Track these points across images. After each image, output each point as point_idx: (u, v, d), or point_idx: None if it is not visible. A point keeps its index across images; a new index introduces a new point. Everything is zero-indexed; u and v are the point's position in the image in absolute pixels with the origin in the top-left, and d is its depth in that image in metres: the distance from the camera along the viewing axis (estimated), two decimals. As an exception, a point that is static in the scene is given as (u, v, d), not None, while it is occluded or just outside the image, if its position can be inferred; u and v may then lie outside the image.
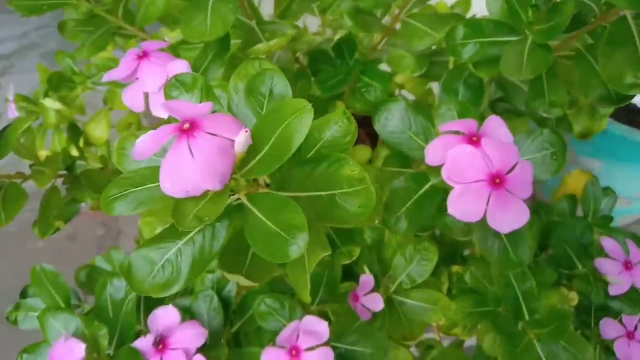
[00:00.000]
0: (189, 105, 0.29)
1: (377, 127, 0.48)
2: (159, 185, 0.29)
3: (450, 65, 0.57)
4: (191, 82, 0.33)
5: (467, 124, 0.42)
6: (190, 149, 0.27)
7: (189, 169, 0.27)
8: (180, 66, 0.45)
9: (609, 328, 0.59)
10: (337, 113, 0.37)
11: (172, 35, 0.58)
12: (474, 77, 0.50)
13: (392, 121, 0.47)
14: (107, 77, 0.45)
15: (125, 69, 0.45)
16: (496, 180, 0.39)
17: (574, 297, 0.60)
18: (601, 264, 0.58)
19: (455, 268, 0.63)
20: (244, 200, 0.31)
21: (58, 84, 0.75)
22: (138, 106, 0.46)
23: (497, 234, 0.44)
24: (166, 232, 0.32)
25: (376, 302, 0.55)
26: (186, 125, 0.27)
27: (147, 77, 0.44)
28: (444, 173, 0.40)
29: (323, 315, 0.60)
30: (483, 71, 0.46)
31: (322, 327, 0.46)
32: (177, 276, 0.31)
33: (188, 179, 0.27)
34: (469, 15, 0.83)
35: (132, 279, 0.31)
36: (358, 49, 0.61)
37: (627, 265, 0.57)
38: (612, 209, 0.74)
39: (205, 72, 0.50)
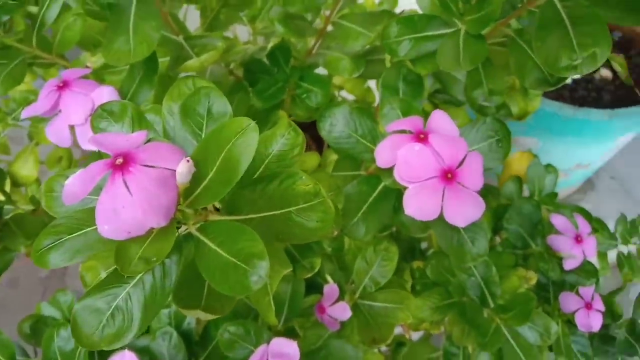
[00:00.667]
0: (120, 137, 0.27)
1: (323, 134, 0.47)
2: (97, 229, 0.26)
3: (387, 63, 0.56)
4: (120, 110, 0.30)
5: (413, 122, 0.42)
6: (127, 185, 0.24)
7: (129, 208, 0.24)
8: (107, 93, 0.42)
9: (568, 301, 0.60)
10: (281, 126, 0.36)
11: (94, 60, 0.55)
12: (413, 73, 0.50)
13: (337, 127, 0.46)
14: (26, 113, 0.41)
15: (46, 103, 0.41)
16: (448, 176, 0.39)
17: (532, 277, 0.61)
18: (553, 240, 0.60)
19: (417, 264, 0.63)
20: (194, 231, 0.29)
21: (-26, 124, 0.69)
22: (64, 141, 0.42)
23: (454, 228, 0.44)
24: (111, 277, 0.30)
25: (343, 311, 0.54)
26: (119, 160, 0.24)
27: (71, 109, 0.41)
28: (396, 174, 0.40)
29: (290, 331, 0.59)
30: (421, 67, 0.46)
31: (291, 349, 0.44)
32: (129, 323, 0.29)
33: (128, 219, 0.25)
34: (397, 10, 0.84)
35: (79, 333, 0.28)
36: (293, 55, 0.60)
37: (578, 239, 0.59)
38: (555, 186, 0.76)
39: (134, 96, 0.47)
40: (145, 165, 0.25)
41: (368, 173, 0.50)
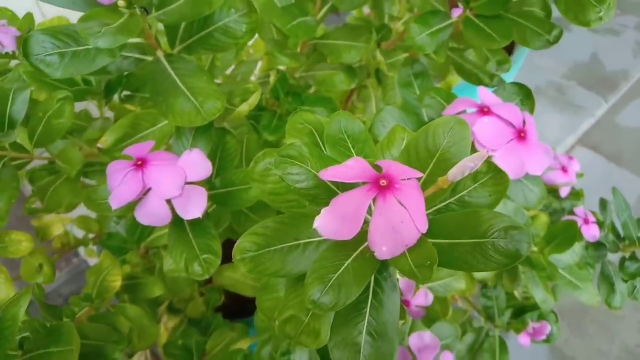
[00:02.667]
0: (344, 168, 0.27)
1: (379, 137, 0.50)
2: (360, 254, 0.27)
3: (383, 67, 0.61)
4: (297, 153, 0.31)
5: (468, 102, 0.47)
6: (399, 202, 0.26)
7: (407, 222, 0.26)
8: (196, 156, 0.40)
9: (572, 223, 0.71)
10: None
11: (104, 139, 0.51)
12: (418, 65, 0.56)
13: (388, 127, 0.50)
14: (115, 204, 0.38)
15: (132, 186, 0.38)
16: (521, 135, 0.45)
17: (539, 213, 0.70)
18: (549, 176, 0.70)
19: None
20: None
21: None
22: (163, 219, 0.40)
23: (518, 181, 0.50)
24: (347, 311, 0.30)
25: (427, 297, 0.57)
26: (383, 182, 0.26)
27: (163, 183, 0.39)
28: (478, 147, 0.45)
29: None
30: (440, 55, 0.52)
31: (429, 338, 0.46)
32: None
33: (408, 231, 0.26)
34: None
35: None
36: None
37: (564, 169, 0.70)
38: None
39: (191, 156, 0.46)
40: (403, 180, 0.26)
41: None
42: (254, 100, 0.47)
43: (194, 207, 0.39)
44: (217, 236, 0.44)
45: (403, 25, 0.71)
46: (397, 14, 0.71)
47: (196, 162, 0.40)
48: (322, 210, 0.27)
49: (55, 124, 0.53)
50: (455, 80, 0.98)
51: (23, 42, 0.39)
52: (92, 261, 1.19)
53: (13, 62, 0.66)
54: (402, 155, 0.30)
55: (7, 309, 0.38)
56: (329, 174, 0.27)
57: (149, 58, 0.46)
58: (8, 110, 0.54)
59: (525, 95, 0.52)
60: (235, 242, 0.59)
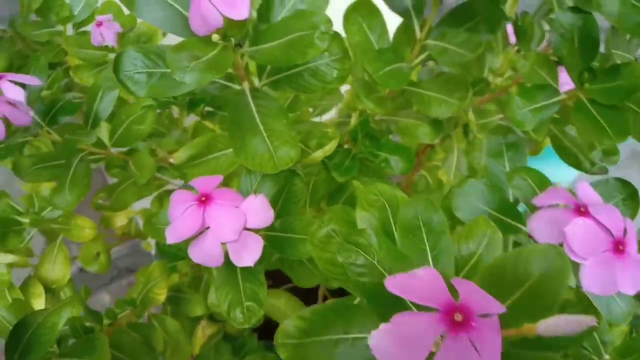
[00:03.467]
0: (416, 279, 0.24)
1: (457, 212, 0.46)
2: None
3: (473, 127, 0.57)
4: (365, 243, 0.28)
5: (562, 194, 0.42)
6: (472, 343, 0.22)
7: (476, 368, 0.22)
8: (260, 203, 0.39)
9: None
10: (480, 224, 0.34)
11: (178, 155, 0.50)
12: (512, 136, 0.51)
13: (469, 204, 0.46)
14: (171, 238, 0.37)
15: (193, 221, 0.37)
16: (619, 247, 0.39)
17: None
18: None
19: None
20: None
21: (3, 232, 0.61)
22: (215, 261, 0.38)
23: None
24: None
25: None
26: (458, 317, 0.22)
27: (222, 225, 0.37)
28: (567, 251, 0.40)
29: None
30: (540, 134, 0.47)
31: None
32: None
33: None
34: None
35: None
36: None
37: None
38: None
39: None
40: (480, 316, 0.23)
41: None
42: (330, 148, 0.45)
43: (248, 255, 0.38)
44: (265, 283, 0.42)
45: (504, 81, 0.66)
46: (499, 69, 0.66)
47: (258, 210, 0.38)
48: (381, 326, 0.24)
49: (135, 130, 0.54)
50: (548, 142, 0.91)
51: (115, 58, 0.39)
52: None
53: (111, 55, 0.68)
54: (484, 276, 0.27)
55: (48, 317, 0.39)
56: (396, 283, 0.24)
57: (236, 87, 0.45)
58: (95, 107, 0.55)
59: (629, 195, 0.46)
60: (284, 274, 0.57)
